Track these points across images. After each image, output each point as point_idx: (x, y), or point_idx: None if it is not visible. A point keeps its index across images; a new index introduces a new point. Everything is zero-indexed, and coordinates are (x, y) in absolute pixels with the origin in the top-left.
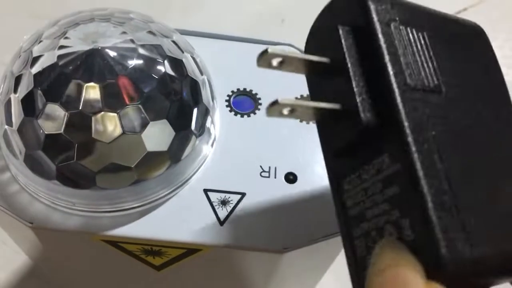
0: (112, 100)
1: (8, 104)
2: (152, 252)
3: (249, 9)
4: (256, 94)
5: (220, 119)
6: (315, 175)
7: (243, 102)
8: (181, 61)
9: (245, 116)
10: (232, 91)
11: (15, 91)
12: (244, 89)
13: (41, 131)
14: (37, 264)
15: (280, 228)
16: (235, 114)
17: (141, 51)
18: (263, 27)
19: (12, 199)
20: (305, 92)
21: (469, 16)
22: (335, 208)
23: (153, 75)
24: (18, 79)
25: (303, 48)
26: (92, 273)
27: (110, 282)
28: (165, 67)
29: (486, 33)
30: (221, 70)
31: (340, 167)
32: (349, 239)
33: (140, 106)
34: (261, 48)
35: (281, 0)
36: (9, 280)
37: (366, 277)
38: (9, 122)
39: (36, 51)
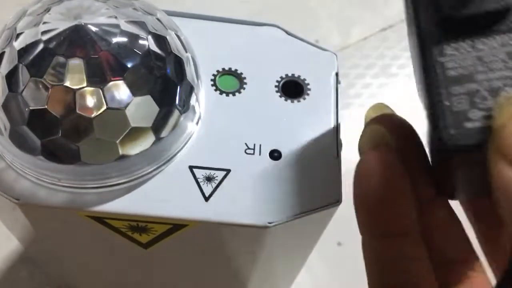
0: (95, 75)
1: None
2: (138, 229)
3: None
4: (241, 73)
5: (205, 98)
6: (299, 153)
7: (229, 81)
8: (165, 38)
9: (230, 95)
10: (218, 71)
11: None
12: (230, 68)
13: (26, 106)
14: (27, 248)
15: (264, 204)
16: (220, 93)
17: (125, 27)
18: (253, 14)
19: None
20: (289, 71)
21: None
22: (423, 70)
23: (136, 50)
24: (1, 56)
25: (288, 29)
26: (79, 254)
27: (98, 262)
28: (148, 43)
29: None
30: (206, 50)
31: (443, 32)
32: (443, 95)
33: (123, 81)
34: (246, 28)
35: None
36: (0, 266)
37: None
38: None
39: (19, 27)
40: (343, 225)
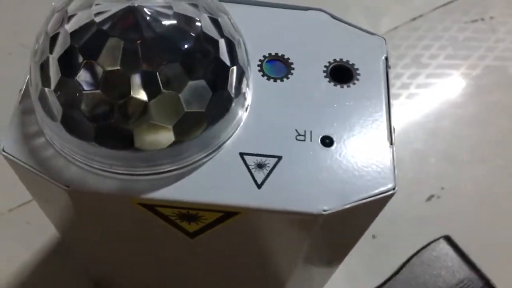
0: (150, 58)
1: (44, 65)
2: (188, 217)
3: None
4: (288, 58)
5: (253, 84)
6: (352, 139)
7: (276, 66)
8: (218, 20)
9: (278, 81)
10: (264, 56)
11: (51, 51)
12: (276, 53)
13: (79, 90)
14: (68, 238)
15: (318, 191)
16: (268, 79)
17: (178, 8)
18: None
19: (48, 163)
20: (336, 56)
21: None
22: None
23: (190, 33)
24: (53, 39)
25: (333, 13)
26: (122, 244)
27: (140, 254)
28: (202, 25)
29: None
30: (252, 35)
31: None
32: None
33: (178, 64)
34: (291, 13)
35: None
36: (34, 259)
37: None
38: (45, 83)
39: (71, 9)
40: (378, 218)
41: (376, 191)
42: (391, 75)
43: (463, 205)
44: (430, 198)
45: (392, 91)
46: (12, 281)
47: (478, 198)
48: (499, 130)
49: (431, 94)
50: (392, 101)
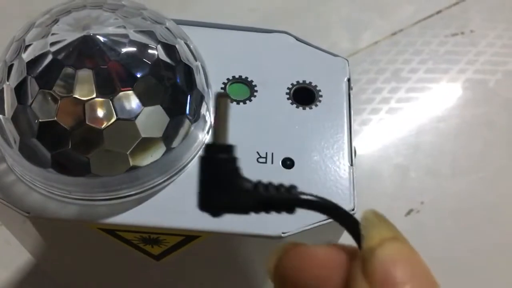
0: (105, 86)
1: (1, 93)
2: (150, 241)
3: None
4: (251, 81)
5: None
6: (312, 160)
7: (239, 89)
8: (174, 47)
9: (241, 103)
10: (228, 79)
11: (8, 79)
12: (240, 76)
13: (35, 118)
14: (38, 260)
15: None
16: (231, 102)
17: (134, 36)
18: (263, 22)
19: (9, 189)
20: (300, 78)
21: (468, 5)
22: None
23: (146, 60)
24: (10, 68)
25: (297, 35)
26: (91, 265)
27: (110, 274)
28: (158, 53)
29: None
30: (216, 58)
31: None
32: None
33: (133, 91)
34: (256, 36)
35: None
36: (13, 278)
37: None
38: (2, 111)
39: (28, 39)
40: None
41: None
42: (369, 90)
43: (443, 219)
44: (409, 212)
45: (372, 105)
46: None
47: (458, 213)
48: (481, 143)
49: (412, 108)
50: (372, 116)
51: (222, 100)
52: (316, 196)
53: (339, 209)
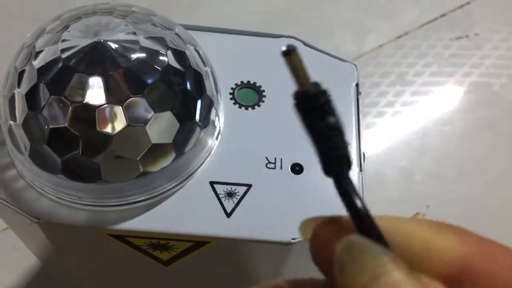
0: (115, 92)
1: (12, 99)
2: (159, 246)
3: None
4: (260, 86)
5: (224, 112)
6: None
7: (247, 94)
8: (184, 52)
9: (250, 109)
10: (236, 84)
11: (19, 86)
12: (248, 81)
13: (46, 125)
14: (46, 265)
15: (287, 219)
16: (240, 107)
17: (144, 43)
18: (267, 25)
19: (19, 195)
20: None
21: (473, 9)
22: None
23: (156, 66)
24: (21, 74)
25: (307, 40)
26: (100, 270)
27: (119, 280)
28: (168, 59)
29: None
30: (225, 63)
31: None
32: None
33: (144, 97)
34: (264, 41)
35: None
36: (19, 282)
37: None
38: (13, 117)
39: (38, 45)
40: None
41: None
42: (374, 94)
43: (448, 222)
44: (415, 216)
45: (376, 109)
46: None
47: (463, 216)
48: (486, 146)
49: (417, 112)
50: (376, 119)
51: (290, 57)
52: (361, 200)
53: (368, 217)
